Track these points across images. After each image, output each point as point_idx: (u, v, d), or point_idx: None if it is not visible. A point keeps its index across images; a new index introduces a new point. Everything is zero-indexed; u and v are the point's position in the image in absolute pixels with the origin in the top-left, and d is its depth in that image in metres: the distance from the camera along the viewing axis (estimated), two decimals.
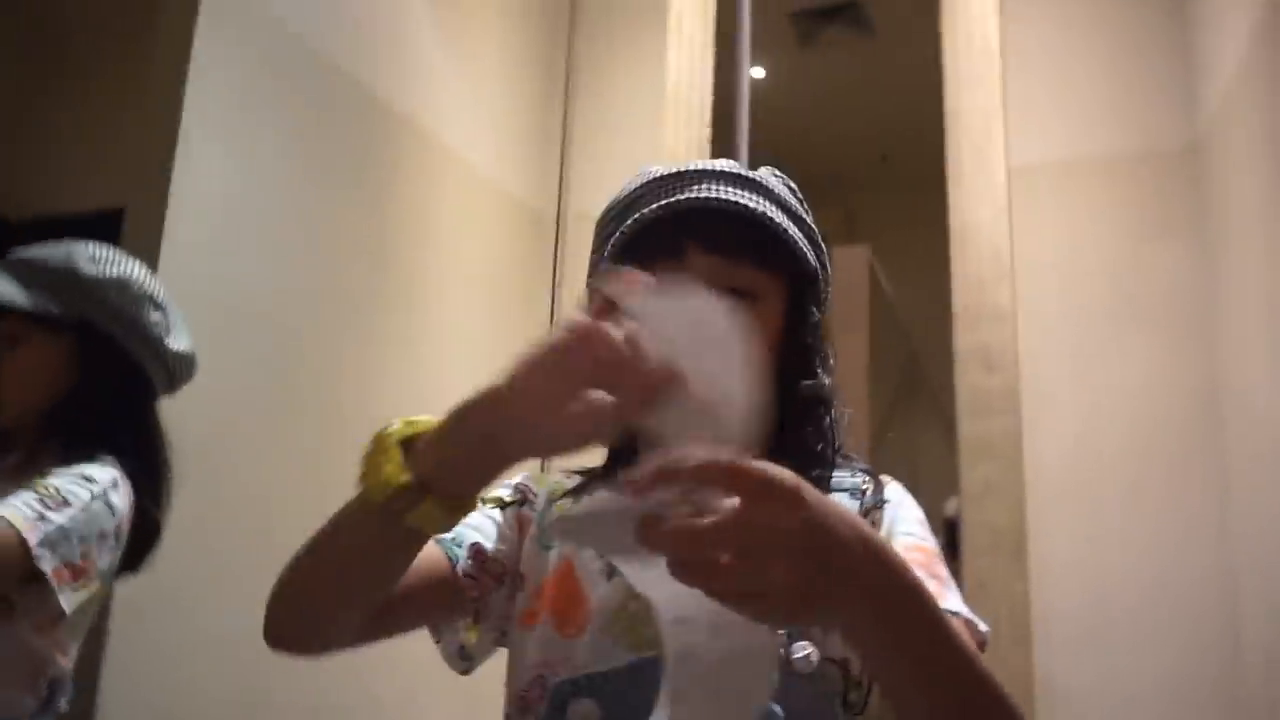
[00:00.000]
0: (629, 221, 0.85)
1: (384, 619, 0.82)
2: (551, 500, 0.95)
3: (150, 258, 1.72)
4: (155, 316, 1.38)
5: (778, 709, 0.76)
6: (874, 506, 0.87)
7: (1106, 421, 2.37)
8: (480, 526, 0.92)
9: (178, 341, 1.41)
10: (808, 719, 0.78)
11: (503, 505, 0.95)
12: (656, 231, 0.85)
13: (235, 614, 1.74)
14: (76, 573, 1.21)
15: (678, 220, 0.84)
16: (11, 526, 1.16)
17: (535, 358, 0.64)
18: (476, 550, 0.90)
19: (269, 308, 1.96)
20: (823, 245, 0.93)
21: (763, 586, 0.54)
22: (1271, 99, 1.96)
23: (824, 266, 0.92)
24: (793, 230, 0.87)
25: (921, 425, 3.71)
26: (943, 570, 0.83)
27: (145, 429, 1.40)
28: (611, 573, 0.85)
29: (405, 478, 0.68)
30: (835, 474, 0.90)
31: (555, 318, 2.82)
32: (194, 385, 1.47)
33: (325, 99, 2.15)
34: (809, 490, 0.55)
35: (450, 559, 0.89)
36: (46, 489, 1.22)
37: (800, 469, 0.56)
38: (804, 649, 0.79)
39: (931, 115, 2.67)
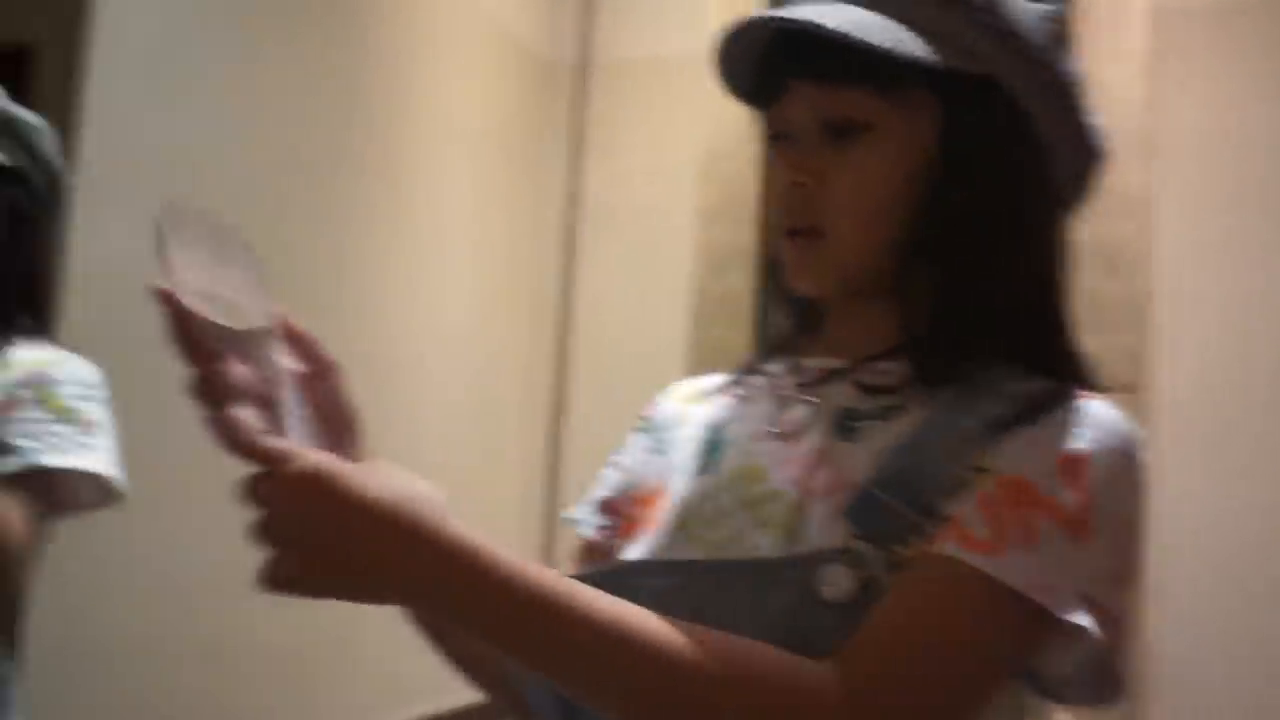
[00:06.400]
0: (720, 65, 0.78)
1: None
2: (681, 401, 0.89)
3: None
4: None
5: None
6: (1018, 422, 0.69)
7: (1259, 342, 2.06)
8: (606, 479, 0.89)
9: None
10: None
11: (639, 432, 0.91)
12: (759, 68, 0.77)
13: (192, 549, 1.62)
14: None
15: (774, 51, 0.76)
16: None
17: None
18: (603, 504, 0.87)
19: (216, 175, 1.75)
20: (1011, 25, 0.73)
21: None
22: None
23: (1026, 59, 0.73)
24: (911, 38, 0.71)
25: None
26: (1011, 513, 0.65)
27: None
28: (706, 468, 0.79)
29: None
30: (1007, 379, 0.72)
31: (576, 192, 2.55)
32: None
33: None
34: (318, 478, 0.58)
35: (580, 536, 0.87)
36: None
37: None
38: (833, 573, 0.67)
39: None
